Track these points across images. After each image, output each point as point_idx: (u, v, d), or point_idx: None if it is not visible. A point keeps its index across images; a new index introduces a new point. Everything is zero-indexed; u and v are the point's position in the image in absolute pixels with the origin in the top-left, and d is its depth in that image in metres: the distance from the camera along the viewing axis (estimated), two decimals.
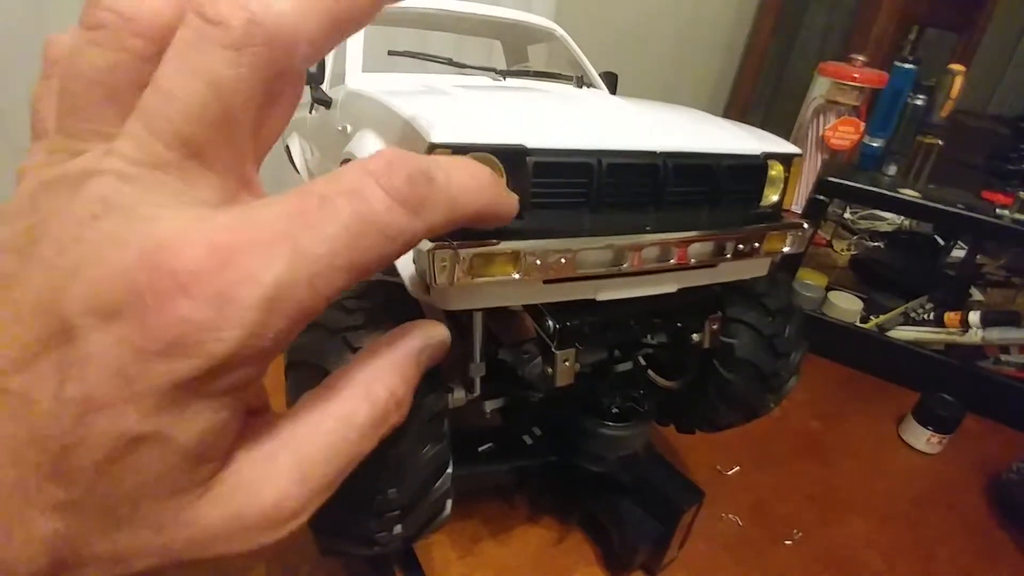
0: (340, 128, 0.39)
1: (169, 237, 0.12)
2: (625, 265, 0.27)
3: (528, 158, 0.25)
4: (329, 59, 0.51)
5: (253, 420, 0.15)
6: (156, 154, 0.13)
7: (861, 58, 0.98)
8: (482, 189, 0.16)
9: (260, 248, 0.12)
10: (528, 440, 0.43)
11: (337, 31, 0.14)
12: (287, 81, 0.14)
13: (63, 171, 0.13)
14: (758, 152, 0.32)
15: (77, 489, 0.12)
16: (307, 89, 0.46)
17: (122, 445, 0.12)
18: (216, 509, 0.13)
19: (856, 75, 0.96)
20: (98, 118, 0.13)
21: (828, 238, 1.04)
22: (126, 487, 0.12)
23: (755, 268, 0.35)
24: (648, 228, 0.28)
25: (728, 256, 0.31)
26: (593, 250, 0.26)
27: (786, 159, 0.33)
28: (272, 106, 0.15)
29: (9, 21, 0.68)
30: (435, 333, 0.19)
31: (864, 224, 1.11)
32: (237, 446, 0.14)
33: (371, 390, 0.16)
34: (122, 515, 0.12)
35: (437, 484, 0.29)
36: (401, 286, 0.28)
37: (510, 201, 0.18)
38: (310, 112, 0.54)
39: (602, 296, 0.29)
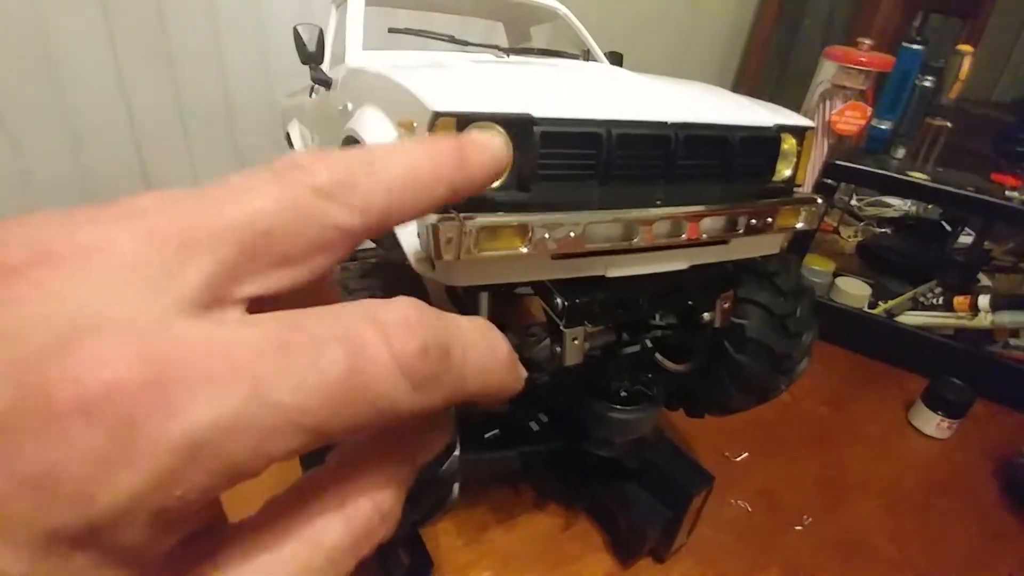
0: (340, 107, 0.38)
1: (93, 328, 0.09)
2: (636, 240, 0.26)
3: (535, 127, 0.24)
4: (328, 39, 0.50)
5: (192, 546, 0.12)
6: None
7: (868, 42, 0.96)
8: (498, 366, 0.14)
9: (208, 376, 0.10)
10: (535, 426, 0.43)
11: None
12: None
13: None
14: (771, 124, 0.31)
15: None
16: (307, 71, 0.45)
17: None
18: None
19: (863, 59, 0.94)
20: None
21: (835, 225, 1.03)
22: None
23: (767, 245, 0.35)
24: (659, 202, 0.27)
25: (740, 231, 0.30)
26: (603, 224, 0.25)
27: (799, 132, 0.32)
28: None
29: (8, 19, 0.67)
30: (437, 443, 0.15)
31: (871, 211, 1.10)
32: None
33: (349, 503, 0.13)
34: None
35: (444, 466, 0.29)
36: (405, 265, 0.27)
37: (519, 380, 0.15)
38: (310, 96, 0.53)
39: (612, 273, 0.29)
